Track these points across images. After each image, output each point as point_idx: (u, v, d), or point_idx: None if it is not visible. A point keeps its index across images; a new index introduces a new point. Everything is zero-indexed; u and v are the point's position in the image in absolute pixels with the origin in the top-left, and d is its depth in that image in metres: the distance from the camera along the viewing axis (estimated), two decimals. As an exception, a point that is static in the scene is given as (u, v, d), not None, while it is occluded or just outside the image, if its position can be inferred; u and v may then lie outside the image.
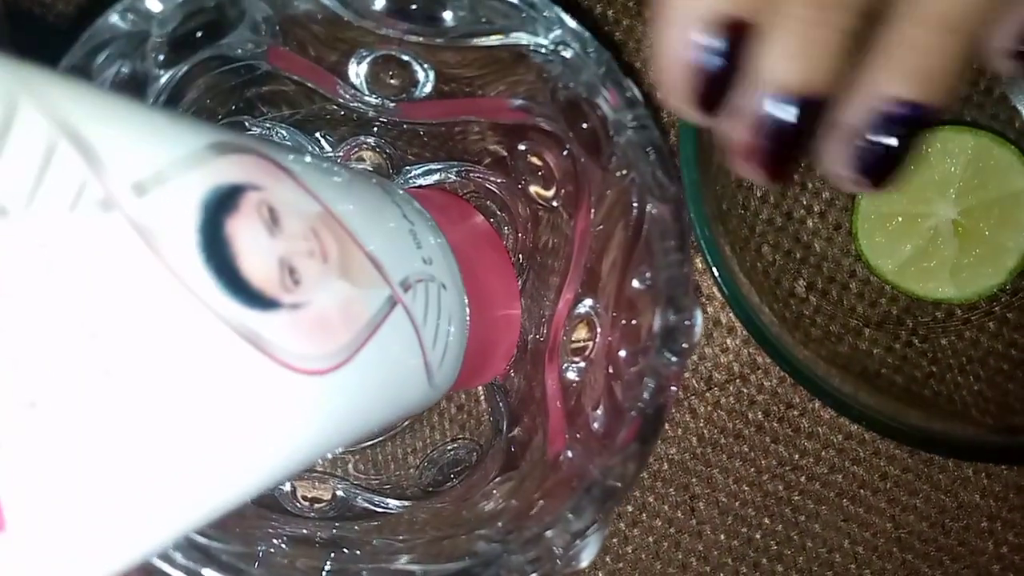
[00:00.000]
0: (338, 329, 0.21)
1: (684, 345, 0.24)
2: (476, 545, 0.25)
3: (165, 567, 0.23)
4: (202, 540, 0.24)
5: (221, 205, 0.19)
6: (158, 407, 0.17)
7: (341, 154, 0.33)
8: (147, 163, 0.18)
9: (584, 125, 0.26)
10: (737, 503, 0.40)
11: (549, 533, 0.24)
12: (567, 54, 0.25)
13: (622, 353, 0.27)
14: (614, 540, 0.40)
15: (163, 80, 0.25)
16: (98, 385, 0.16)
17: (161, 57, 0.24)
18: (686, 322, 0.24)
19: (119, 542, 0.18)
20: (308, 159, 0.24)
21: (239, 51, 0.26)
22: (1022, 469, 0.40)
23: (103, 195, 0.17)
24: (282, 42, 0.27)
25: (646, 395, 0.24)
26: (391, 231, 0.26)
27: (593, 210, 0.29)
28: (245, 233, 0.19)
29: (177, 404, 0.18)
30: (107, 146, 0.17)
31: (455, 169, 0.33)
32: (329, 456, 0.35)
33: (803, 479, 0.40)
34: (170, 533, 0.19)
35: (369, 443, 0.35)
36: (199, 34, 0.25)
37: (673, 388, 0.24)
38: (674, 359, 0.24)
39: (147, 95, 0.25)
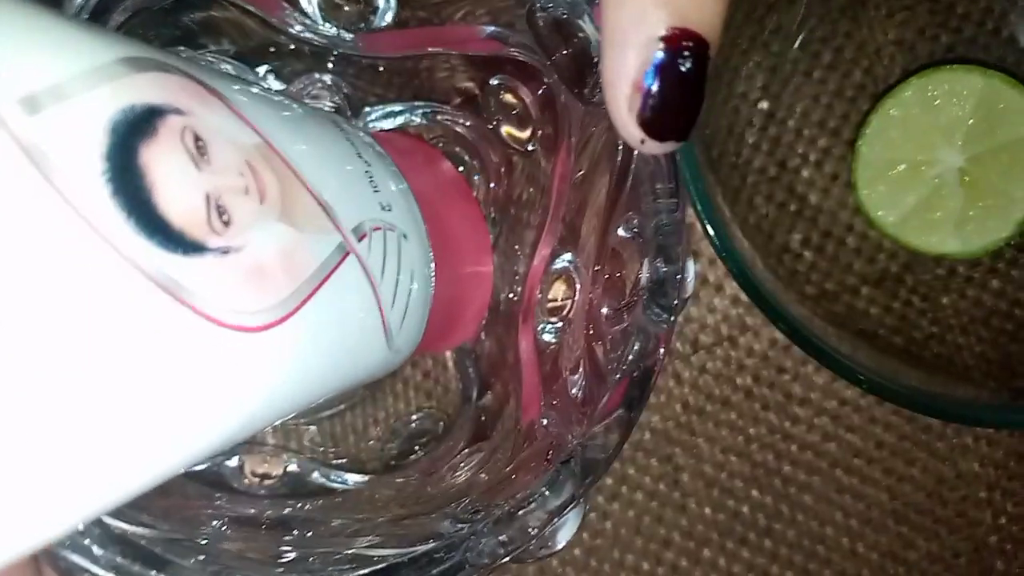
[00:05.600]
0: (278, 280, 0.18)
1: (675, 300, 0.22)
2: (440, 525, 0.23)
3: (83, 562, 0.20)
4: (129, 528, 0.21)
5: (135, 129, 0.16)
6: (54, 363, 0.14)
7: (292, 92, 0.30)
8: (42, 75, 0.15)
9: (564, 51, 0.23)
10: (724, 474, 0.38)
11: (522, 512, 0.21)
12: None
13: (604, 311, 0.24)
14: (592, 515, 0.38)
15: (82, -3, 0.22)
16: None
17: (78, -33, 0.21)
18: (677, 275, 0.22)
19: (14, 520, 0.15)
20: (246, 86, 0.21)
21: (172, -34, 0.23)
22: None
23: (-22, 108, 0.14)
24: (222, -42, 0.24)
25: (631, 357, 0.22)
26: (344, 171, 0.23)
27: (574, 154, 0.26)
28: (164, 163, 0.16)
29: (76, 361, 0.15)
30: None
31: (420, 110, 0.30)
32: (280, 426, 0.32)
33: (794, 448, 0.38)
34: (82, 510, 0.16)
35: (326, 413, 0.32)
36: (123, -60, 0.22)
37: (662, 349, 0.22)
38: (664, 315, 0.22)
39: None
